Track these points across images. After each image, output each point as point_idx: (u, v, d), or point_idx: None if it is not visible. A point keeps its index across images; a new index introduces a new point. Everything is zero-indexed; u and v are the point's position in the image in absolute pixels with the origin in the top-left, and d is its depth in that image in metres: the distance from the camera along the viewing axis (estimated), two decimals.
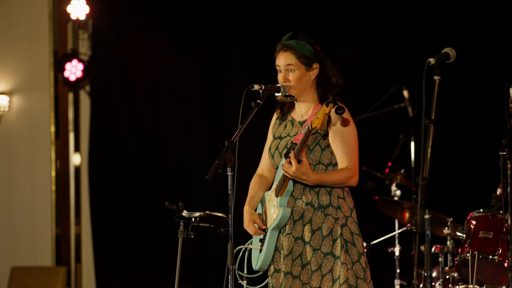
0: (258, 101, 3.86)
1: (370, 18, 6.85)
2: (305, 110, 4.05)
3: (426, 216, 3.22)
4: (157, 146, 7.52)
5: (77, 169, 8.05)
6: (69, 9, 7.67)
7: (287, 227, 3.92)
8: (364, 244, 4.32)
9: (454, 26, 6.55)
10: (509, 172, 4.79)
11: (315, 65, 4.00)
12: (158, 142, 7.52)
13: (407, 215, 5.93)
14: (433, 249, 5.30)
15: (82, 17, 7.68)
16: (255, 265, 4.03)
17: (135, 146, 7.56)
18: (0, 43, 8.12)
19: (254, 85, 3.92)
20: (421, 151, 3.26)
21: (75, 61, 7.74)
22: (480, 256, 4.92)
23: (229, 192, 3.75)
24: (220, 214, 5.03)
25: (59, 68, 7.78)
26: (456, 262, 5.10)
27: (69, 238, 7.99)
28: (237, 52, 7.28)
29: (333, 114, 3.81)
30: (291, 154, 3.77)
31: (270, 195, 4.03)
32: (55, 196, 7.98)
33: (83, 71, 7.72)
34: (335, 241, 3.86)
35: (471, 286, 4.90)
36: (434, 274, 5.40)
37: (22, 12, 8.08)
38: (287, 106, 4.11)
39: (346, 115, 3.94)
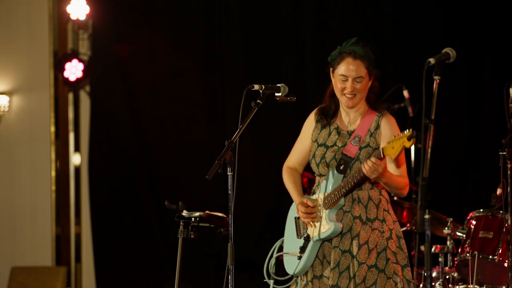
0: (258, 101, 3.86)
1: (370, 18, 6.85)
2: (353, 119, 4.02)
3: (426, 216, 3.22)
4: (157, 146, 7.52)
5: (77, 169, 8.05)
6: (69, 9, 7.67)
7: (334, 239, 3.93)
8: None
9: (454, 26, 6.55)
10: (509, 172, 4.80)
11: (373, 74, 3.99)
12: (158, 142, 7.52)
13: (407, 215, 5.93)
14: (433, 249, 5.29)
15: (82, 17, 7.68)
16: (293, 270, 4.05)
17: (135, 146, 7.56)
18: (0, 43, 8.12)
19: (254, 85, 3.91)
20: (421, 151, 3.26)
21: (75, 61, 7.74)
22: (480, 256, 4.92)
23: (229, 192, 3.75)
24: (220, 214, 5.02)
25: (59, 68, 7.78)
26: (456, 262, 5.10)
27: (69, 238, 7.99)
28: (237, 52, 7.28)
29: (387, 127, 3.89)
30: (375, 159, 3.73)
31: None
32: (55, 196, 7.98)
33: (83, 71, 7.72)
34: (380, 254, 3.90)
35: (471, 286, 4.90)
36: (434, 274, 5.40)
37: (22, 12, 8.08)
38: (331, 113, 4.05)
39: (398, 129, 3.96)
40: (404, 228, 5.79)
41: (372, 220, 3.93)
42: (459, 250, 5.11)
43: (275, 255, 4.18)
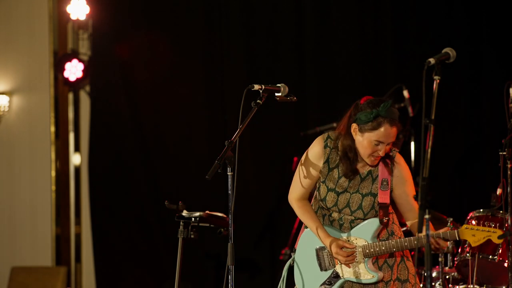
0: (258, 101, 3.86)
1: (370, 18, 6.85)
2: (362, 164, 3.95)
3: (426, 216, 3.22)
4: (157, 146, 7.52)
5: (77, 169, 8.05)
6: (69, 9, 7.67)
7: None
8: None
9: (454, 26, 6.55)
10: (509, 172, 4.80)
11: None
12: (158, 142, 7.52)
13: None
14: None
15: (82, 17, 7.68)
16: None
17: (135, 146, 7.56)
18: (0, 43, 8.12)
19: (254, 85, 3.91)
20: (421, 151, 3.26)
21: (75, 61, 7.74)
22: (480, 256, 4.92)
23: (229, 192, 3.75)
24: (220, 214, 5.02)
25: (59, 68, 7.78)
26: (456, 262, 5.10)
27: (69, 238, 7.99)
28: (237, 52, 7.28)
29: (397, 170, 3.90)
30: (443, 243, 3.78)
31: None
32: (55, 196, 7.97)
33: (83, 71, 7.73)
34: (399, 265, 3.98)
35: (471, 286, 4.89)
36: (434, 274, 5.39)
37: (22, 12, 8.08)
38: (345, 161, 3.91)
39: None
40: (404, 228, 5.79)
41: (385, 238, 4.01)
42: (459, 250, 5.11)
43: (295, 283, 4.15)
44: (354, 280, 3.95)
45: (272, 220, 7.04)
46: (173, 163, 7.47)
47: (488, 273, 5.04)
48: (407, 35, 6.70)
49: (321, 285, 4.00)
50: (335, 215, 4.01)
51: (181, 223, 4.91)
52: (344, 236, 3.97)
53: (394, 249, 3.88)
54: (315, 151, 3.99)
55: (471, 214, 5.16)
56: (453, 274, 5.35)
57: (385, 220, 3.91)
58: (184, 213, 4.92)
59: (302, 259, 4.09)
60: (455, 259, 5.12)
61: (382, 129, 3.79)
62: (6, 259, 7.94)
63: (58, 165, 8.01)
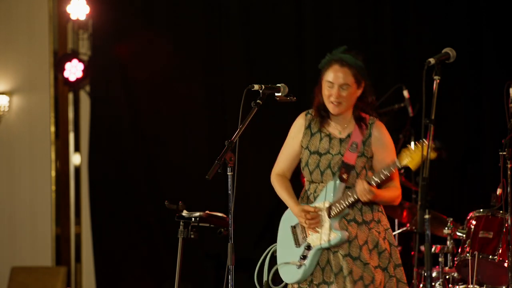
0: (258, 101, 3.86)
1: (370, 18, 6.85)
2: (342, 126, 4.01)
3: (426, 216, 3.22)
4: (157, 146, 7.52)
5: (77, 169, 8.05)
6: (69, 9, 7.67)
7: (341, 249, 3.93)
8: None
9: (454, 26, 6.55)
10: (509, 172, 4.80)
11: (363, 84, 3.99)
12: (158, 142, 7.52)
13: (407, 215, 5.93)
14: (433, 249, 5.29)
15: (82, 17, 7.68)
16: (293, 279, 4.03)
17: (135, 146, 7.56)
18: (0, 43, 8.12)
19: (254, 85, 3.92)
20: (421, 151, 3.26)
21: (75, 61, 7.74)
22: (480, 256, 4.92)
23: (229, 192, 3.75)
24: (220, 214, 5.02)
25: (59, 68, 7.78)
26: (456, 262, 5.10)
27: (69, 238, 7.99)
28: (237, 52, 7.28)
29: (376, 133, 3.92)
30: (368, 186, 3.78)
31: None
32: (55, 196, 7.98)
33: (83, 71, 7.73)
34: (381, 254, 3.94)
35: (471, 286, 4.90)
36: (434, 274, 5.40)
37: (22, 12, 8.08)
38: (319, 119, 4.04)
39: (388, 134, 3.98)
40: (404, 228, 5.80)
41: (368, 222, 3.96)
42: (459, 250, 5.11)
43: (274, 267, 4.13)
44: (325, 245, 3.91)
45: (272, 220, 7.03)
46: (173, 163, 7.47)
47: (488, 273, 5.04)
48: (407, 35, 6.70)
49: (298, 261, 3.98)
50: (312, 188, 4.02)
51: (181, 223, 4.91)
52: (313, 205, 3.99)
53: (355, 196, 3.85)
54: (297, 123, 4.12)
55: (471, 214, 5.16)
56: (453, 274, 5.35)
57: (345, 177, 3.89)
58: (184, 213, 4.92)
59: (281, 240, 4.13)
60: (455, 259, 5.13)
61: (331, 69, 3.92)
62: (6, 259, 7.94)
63: (58, 165, 8.01)
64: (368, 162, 3.97)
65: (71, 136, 8.05)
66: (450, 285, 5.33)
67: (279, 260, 4.09)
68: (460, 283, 5.30)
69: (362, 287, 3.87)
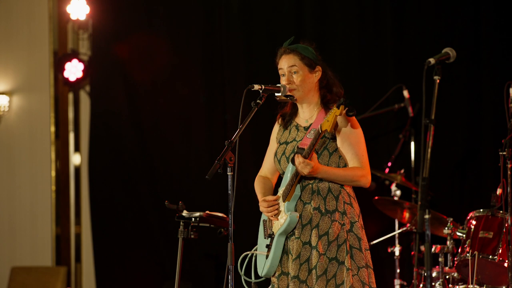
0: (258, 101, 3.87)
1: (370, 18, 6.85)
2: (309, 115, 4.06)
3: (426, 216, 3.22)
4: (157, 146, 7.52)
5: (77, 169, 8.05)
6: (69, 9, 7.67)
7: (296, 231, 3.92)
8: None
9: (454, 26, 6.55)
10: (509, 172, 4.80)
11: (318, 68, 4.04)
12: (158, 142, 7.52)
13: (407, 215, 5.93)
14: (433, 249, 5.30)
15: (82, 17, 7.68)
16: (262, 271, 4.03)
17: (135, 146, 7.56)
18: (0, 43, 8.12)
19: (254, 85, 3.92)
20: (421, 151, 3.26)
21: (75, 61, 7.74)
22: (480, 256, 4.92)
23: (229, 192, 3.75)
24: (220, 214, 5.02)
25: (59, 68, 7.78)
26: (456, 262, 5.10)
27: (69, 238, 7.99)
28: (237, 52, 7.28)
29: (340, 117, 3.86)
30: (302, 159, 3.77)
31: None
32: (55, 196, 7.97)
33: (83, 71, 7.73)
34: (340, 247, 3.88)
35: (471, 286, 4.90)
36: (434, 274, 5.40)
37: (22, 12, 8.08)
38: (289, 113, 4.13)
39: (353, 117, 3.96)
40: (404, 228, 5.80)
41: (332, 211, 3.91)
42: (459, 250, 5.11)
43: (247, 259, 4.12)
44: (281, 230, 3.91)
45: None
46: (173, 163, 7.47)
47: (488, 273, 5.05)
48: (407, 35, 6.70)
49: (266, 252, 3.99)
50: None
51: (181, 223, 4.91)
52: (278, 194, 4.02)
53: (293, 180, 3.86)
54: (275, 125, 4.22)
55: (471, 214, 5.17)
56: (453, 274, 5.35)
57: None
58: (184, 213, 4.93)
59: (259, 236, 4.13)
60: (455, 259, 5.13)
61: (279, 59, 4.10)
62: (6, 259, 7.94)
63: (58, 165, 8.01)
64: (330, 144, 3.95)
65: (71, 136, 8.04)
66: (450, 285, 5.33)
67: (258, 254, 4.10)
68: (460, 283, 5.31)
69: (306, 271, 3.87)
